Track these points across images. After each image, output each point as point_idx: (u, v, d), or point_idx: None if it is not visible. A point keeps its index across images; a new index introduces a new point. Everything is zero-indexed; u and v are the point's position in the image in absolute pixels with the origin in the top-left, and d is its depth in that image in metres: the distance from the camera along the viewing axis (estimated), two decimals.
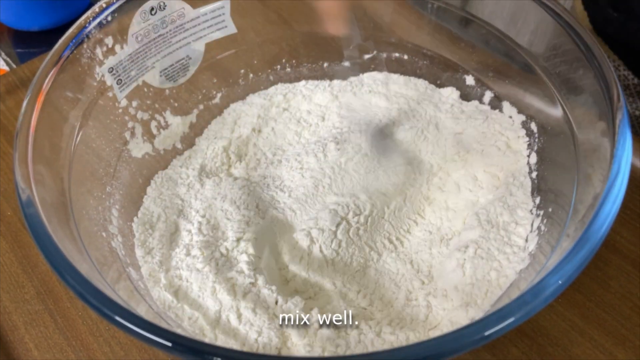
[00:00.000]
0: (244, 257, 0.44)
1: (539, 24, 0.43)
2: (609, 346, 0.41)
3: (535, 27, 0.44)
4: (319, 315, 0.40)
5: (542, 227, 0.40)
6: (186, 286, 0.41)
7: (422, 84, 0.56)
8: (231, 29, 0.54)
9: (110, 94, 0.46)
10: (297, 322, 0.39)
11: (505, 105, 0.50)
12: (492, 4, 0.48)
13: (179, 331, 0.38)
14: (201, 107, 0.55)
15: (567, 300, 0.44)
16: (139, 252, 0.44)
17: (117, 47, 0.46)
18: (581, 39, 0.39)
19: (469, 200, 0.47)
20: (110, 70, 0.46)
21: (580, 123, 0.39)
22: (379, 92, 0.56)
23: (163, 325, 0.36)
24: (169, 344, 0.28)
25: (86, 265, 0.34)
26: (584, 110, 0.39)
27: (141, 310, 0.37)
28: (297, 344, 0.38)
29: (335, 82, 0.58)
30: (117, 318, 0.29)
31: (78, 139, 0.42)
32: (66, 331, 0.44)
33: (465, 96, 0.54)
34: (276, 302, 0.41)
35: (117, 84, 0.47)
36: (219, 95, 0.56)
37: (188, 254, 0.44)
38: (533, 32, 0.45)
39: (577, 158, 0.38)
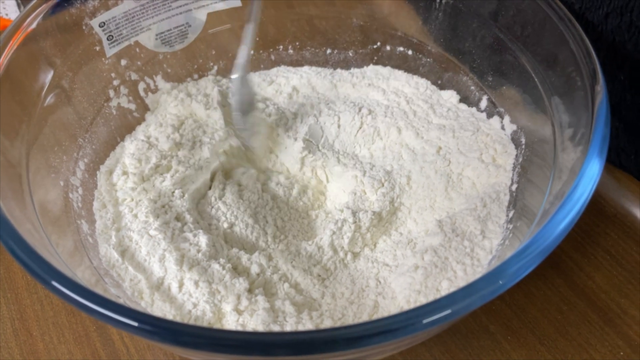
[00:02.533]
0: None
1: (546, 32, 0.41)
2: None
3: (540, 35, 0.42)
4: (261, 297, 0.39)
5: (507, 242, 0.38)
6: (134, 248, 0.41)
7: (423, 83, 0.54)
8: (235, 1, 0.53)
9: (97, 48, 0.46)
10: (235, 302, 0.38)
11: (500, 112, 0.48)
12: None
13: (114, 291, 0.37)
14: (196, 76, 0.55)
15: (516, 339, 0.42)
16: (96, 205, 0.44)
17: (111, 3, 0.45)
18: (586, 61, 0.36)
19: (442, 209, 0.45)
20: (101, 24, 0.46)
21: (564, 141, 0.37)
22: (378, 87, 0.55)
23: (99, 289, 0.36)
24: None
25: (29, 224, 0.34)
26: (571, 130, 0.37)
27: (80, 270, 0.36)
28: (230, 321, 0.37)
29: (338, 71, 0.57)
30: (54, 283, 0.29)
31: (53, 84, 0.42)
32: (4, 282, 0.44)
33: (464, 100, 0.51)
34: (222, 279, 0.40)
35: (107, 39, 0.47)
36: (215, 67, 0.56)
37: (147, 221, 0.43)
38: (535, 39, 0.42)
39: (552, 175, 0.36)
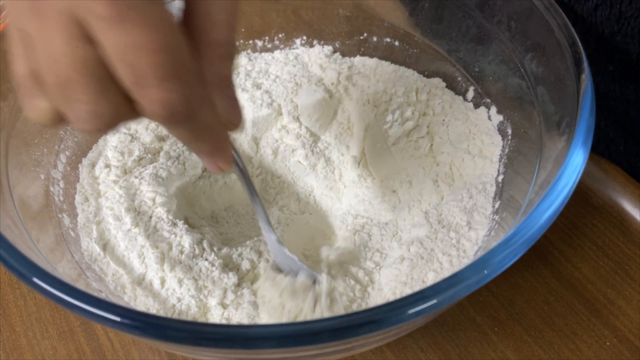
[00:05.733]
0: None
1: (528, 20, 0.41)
2: None
3: (524, 23, 0.42)
4: (246, 291, 0.38)
5: (492, 233, 0.38)
6: (114, 242, 0.40)
7: (410, 73, 0.54)
8: None
9: None
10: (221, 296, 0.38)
11: (486, 103, 0.48)
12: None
13: (96, 285, 0.37)
14: None
15: (503, 330, 0.42)
16: (78, 198, 0.43)
17: None
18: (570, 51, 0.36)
19: (430, 201, 0.44)
20: None
21: (549, 131, 0.37)
22: (367, 76, 0.54)
23: (81, 283, 0.35)
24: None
25: (8, 219, 0.33)
26: (556, 119, 0.37)
27: (62, 264, 0.36)
28: (215, 315, 0.37)
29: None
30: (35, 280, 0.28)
31: None
32: None
33: (451, 90, 0.51)
34: (209, 275, 0.39)
35: None
36: None
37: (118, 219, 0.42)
38: (520, 28, 0.42)
39: (538, 165, 0.36)
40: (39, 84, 0.22)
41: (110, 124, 0.23)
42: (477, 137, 0.46)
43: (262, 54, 0.56)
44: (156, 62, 0.21)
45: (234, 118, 0.28)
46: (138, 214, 0.42)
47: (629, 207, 0.47)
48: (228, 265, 0.41)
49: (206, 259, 0.40)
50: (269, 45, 0.56)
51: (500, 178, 0.43)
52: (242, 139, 0.51)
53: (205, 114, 0.25)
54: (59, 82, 0.21)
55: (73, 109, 0.22)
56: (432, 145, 0.47)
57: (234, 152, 0.31)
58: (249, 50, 0.56)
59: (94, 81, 0.21)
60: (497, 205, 0.41)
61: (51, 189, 0.41)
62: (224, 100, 0.27)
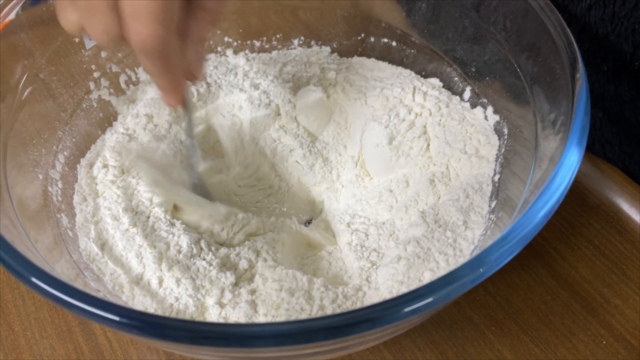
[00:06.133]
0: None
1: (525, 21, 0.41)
2: None
3: (520, 24, 0.42)
4: (244, 290, 0.38)
5: (489, 232, 0.38)
6: (112, 242, 0.41)
7: (407, 73, 0.54)
8: None
9: (77, 40, 0.46)
10: (218, 295, 0.38)
11: (483, 103, 0.48)
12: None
13: (94, 285, 0.37)
14: None
15: (500, 329, 0.42)
16: (76, 199, 0.43)
17: None
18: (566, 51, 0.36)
19: (427, 201, 0.45)
20: None
21: (545, 130, 0.37)
22: (365, 76, 0.54)
23: (79, 283, 0.35)
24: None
25: (6, 220, 0.34)
26: (551, 119, 0.37)
27: (60, 264, 0.36)
28: (213, 314, 0.37)
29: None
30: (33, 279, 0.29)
31: (31, 76, 0.42)
32: None
33: (448, 90, 0.51)
34: (206, 275, 0.39)
35: None
36: None
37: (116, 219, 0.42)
38: (516, 28, 0.42)
39: (533, 164, 0.36)
40: (72, 3, 0.30)
41: (112, 41, 0.31)
42: (473, 137, 0.46)
43: (260, 54, 0.56)
44: (151, 6, 0.29)
45: (196, 70, 0.36)
46: (136, 214, 0.42)
47: (625, 206, 0.47)
48: (225, 265, 0.41)
49: (204, 259, 0.40)
50: (267, 46, 0.56)
51: (496, 178, 0.43)
52: (239, 139, 0.51)
53: (173, 58, 0.32)
54: (87, 4, 0.30)
55: (93, 24, 0.30)
56: (429, 145, 0.47)
57: (187, 96, 0.39)
58: (247, 51, 0.56)
59: (109, 8, 0.29)
60: (493, 205, 0.41)
61: (49, 189, 0.41)
62: (194, 54, 0.35)
